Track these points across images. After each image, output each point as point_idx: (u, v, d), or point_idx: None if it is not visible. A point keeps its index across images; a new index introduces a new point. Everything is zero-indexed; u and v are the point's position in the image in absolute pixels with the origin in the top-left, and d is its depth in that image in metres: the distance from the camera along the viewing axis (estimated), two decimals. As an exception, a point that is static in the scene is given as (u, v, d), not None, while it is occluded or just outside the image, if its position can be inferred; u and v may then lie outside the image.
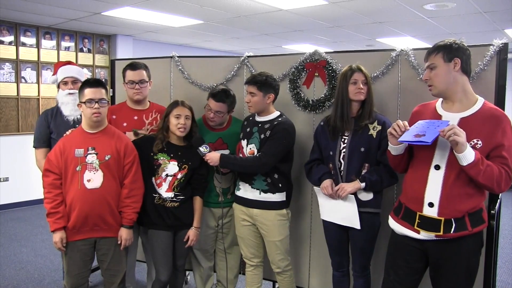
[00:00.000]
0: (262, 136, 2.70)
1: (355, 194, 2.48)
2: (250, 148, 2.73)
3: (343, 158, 2.52)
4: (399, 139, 2.01)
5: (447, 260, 2.03)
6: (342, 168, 2.52)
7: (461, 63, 2.01)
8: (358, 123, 2.50)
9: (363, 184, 2.44)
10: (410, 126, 2.14)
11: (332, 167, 2.56)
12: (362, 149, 2.46)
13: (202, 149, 2.70)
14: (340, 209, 2.54)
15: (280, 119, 2.73)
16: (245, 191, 2.79)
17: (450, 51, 2.01)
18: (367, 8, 5.11)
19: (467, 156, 1.86)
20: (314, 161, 2.68)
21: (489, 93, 2.47)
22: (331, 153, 2.56)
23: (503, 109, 2.46)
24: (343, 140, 2.54)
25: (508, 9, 4.87)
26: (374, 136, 2.45)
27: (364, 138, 2.46)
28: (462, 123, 1.97)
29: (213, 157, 2.68)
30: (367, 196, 2.48)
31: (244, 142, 2.80)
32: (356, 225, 2.49)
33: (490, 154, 1.94)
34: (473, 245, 2.03)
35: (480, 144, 1.93)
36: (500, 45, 2.44)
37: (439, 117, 2.06)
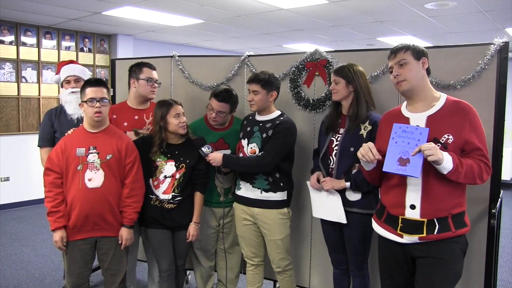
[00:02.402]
0: (264, 135, 2.70)
1: (343, 194, 2.49)
2: (252, 148, 2.73)
3: (335, 155, 2.53)
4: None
5: (431, 263, 1.99)
6: (333, 166, 2.53)
7: (427, 63, 2.07)
8: (351, 123, 2.50)
9: (348, 184, 2.45)
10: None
11: (324, 163, 2.58)
12: (352, 149, 2.45)
13: (205, 149, 2.69)
14: (327, 204, 2.57)
15: (281, 118, 2.73)
16: (246, 190, 2.78)
17: (417, 51, 2.06)
18: (368, 7, 5.11)
19: (446, 166, 1.86)
20: (316, 154, 2.74)
21: (490, 92, 2.48)
22: (323, 149, 2.59)
23: (504, 109, 2.48)
24: (336, 137, 2.55)
25: (508, 8, 4.86)
26: (364, 136, 2.43)
27: (355, 138, 2.45)
28: (430, 120, 1.99)
29: (215, 157, 2.67)
30: (355, 196, 2.48)
31: (244, 142, 2.79)
32: (342, 219, 2.49)
33: (465, 149, 1.95)
34: (458, 248, 2.01)
35: (451, 138, 1.93)
36: (501, 44, 2.44)
37: (406, 119, 2.06)
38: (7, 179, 6.25)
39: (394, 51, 2.08)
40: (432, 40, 7.05)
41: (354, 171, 2.47)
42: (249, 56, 3.25)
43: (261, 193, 2.73)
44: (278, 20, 5.89)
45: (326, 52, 2.97)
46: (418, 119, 2.03)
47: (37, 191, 5.50)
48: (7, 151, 6.17)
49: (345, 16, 5.53)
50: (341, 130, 2.53)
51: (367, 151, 2.02)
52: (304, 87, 3.05)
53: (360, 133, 2.44)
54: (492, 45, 2.45)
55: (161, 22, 6.11)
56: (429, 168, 1.92)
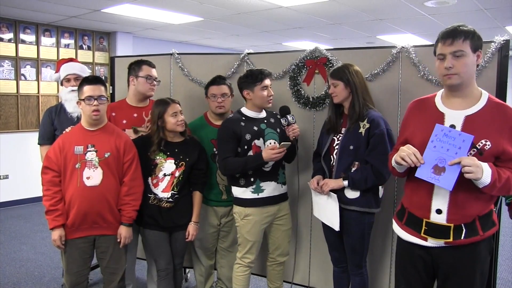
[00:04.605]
0: (278, 129, 2.78)
1: (342, 192, 2.48)
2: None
3: (336, 154, 2.53)
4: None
5: (458, 268, 1.89)
6: (333, 164, 2.54)
7: (482, 56, 1.84)
8: (350, 122, 2.50)
9: (345, 182, 2.45)
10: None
11: (326, 162, 2.58)
12: (351, 147, 2.46)
13: (290, 118, 2.65)
14: (325, 207, 2.57)
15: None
16: (272, 189, 2.72)
17: (476, 41, 1.80)
18: (368, 5, 5.10)
19: (483, 181, 1.73)
20: (316, 157, 2.73)
21: (491, 90, 2.45)
22: (325, 148, 2.59)
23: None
24: (338, 137, 2.55)
25: (509, 6, 4.85)
26: (363, 134, 2.43)
27: (354, 137, 2.46)
28: (468, 122, 1.82)
29: (298, 127, 2.68)
30: (353, 194, 2.47)
31: (259, 142, 2.69)
32: (335, 226, 2.49)
33: (501, 158, 1.79)
34: (485, 250, 1.90)
35: (489, 145, 1.77)
36: (502, 42, 2.43)
37: (441, 115, 1.89)
38: (6, 177, 6.24)
39: (452, 36, 1.79)
40: (433, 38, 6.93)
41: (353, 169, 2.47)
42: (248, 54, 3.24)
43: (282, 187, 2.78)
44: (278, 18, 5.88)
45: (326, 50, 2.96)
46: (454, 117, 1.85)
47: (37, 189, 5.47)
48: (6, 149, 6.16)
49: (345, 14, 5.52)
50: (343, 130, 2.53)
51: (409, 154, 1.83)
52: (304, 85, 3.04)
53: (359, 131, 2.44)
54: (492, 43, 2.44)
55: (161, 19, 6.10)
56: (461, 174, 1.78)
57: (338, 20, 5.93)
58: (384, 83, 2.77)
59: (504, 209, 2.70)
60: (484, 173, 1.71)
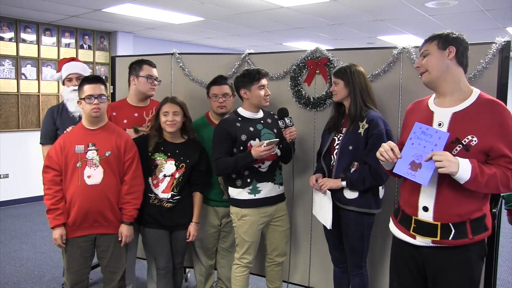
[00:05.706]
0: (275, 130, 2.77)
1: (341, 192, 2.49)
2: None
3: (336, 154, 2.53)
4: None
5: (446, 271, 1.88)
6: (333, 164, 2.54)
7: (456, 52, 1.88)
8: (349, 122, 2.50)
9: (343, 183, 2.45)
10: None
11: (326, 162, 2.59)
12: (351, 147, 2.46)
13: (288, 120, 2.62)
14: (321, 205, 2.59)
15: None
16: (269, 190, 2.72)
17: (446, 40, 1.90)
18: (368, 6, 5.10)
19: (462, 176, 1.72)
20: (319, 156, 2.72)
21: (491, 92, 2.46)
22: (325, 148, 2.61)
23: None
24: (338, 137, 2.56)
25: (509, 7, 4.86)
26: (362, 135, 2.43)
27: (353, 137, 2.46)
28: (455, 118, 1.85)
29: (295, 130, 2.65)
30: (351, 195, 2.47)
31: (255, 142, 2.66)
32: (328, 224, 2.51)
33: (490, 154, 1.79)
34: (475, 254, 1.87)
35: (475, 141, 1.78)
36: (503, 43, 2.43)
37: (431, 113, 1.93)
38: (6, 176, 6.24)
39: (425, 41, 1.97)
40: (433, 39, 7.03)
41: (352, 169, 2.47)
42: (249, 54, 3.24)
43: (279, 187, 2.78)
44: (279, 18, 5.88)
45: (327, 50, 2.96)
46: (442, 114, 1.89)
47: (37, 188, 5.49)
48: (6, 148, 6.16)
49: (346, 14, 5.52)
50: (344, 130, 2.54)
51: (387, 150, 1.88)
52: (305, 86, 3.04)
53: (359, 131, 2.45)
54: (493, 44, 2.44)
55: (161, 19, 6.10)
56: None
57: (338, 20, 5.93)
58: (385, 84, 2.77)
59: (504, 211, 2.71)
60: (461, 168, 1.71)
